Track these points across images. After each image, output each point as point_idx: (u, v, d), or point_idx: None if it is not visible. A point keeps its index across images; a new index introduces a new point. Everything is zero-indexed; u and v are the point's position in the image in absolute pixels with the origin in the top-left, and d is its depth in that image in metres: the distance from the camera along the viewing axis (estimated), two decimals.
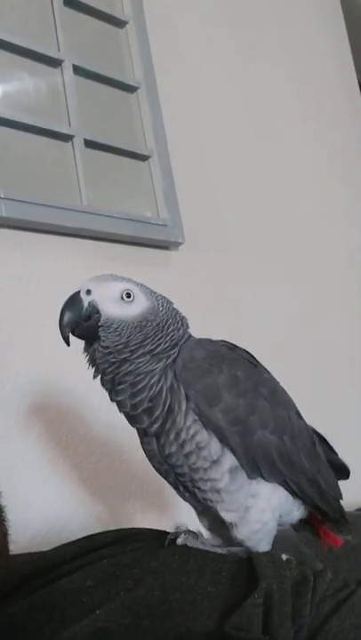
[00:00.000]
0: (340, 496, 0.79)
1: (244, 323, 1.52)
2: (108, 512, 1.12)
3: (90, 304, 0.69)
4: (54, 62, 1.30)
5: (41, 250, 1.17)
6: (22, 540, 0.98)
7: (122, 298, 0.69)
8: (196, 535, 0.73)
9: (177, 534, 0.71)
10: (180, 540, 0.70)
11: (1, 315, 1.07)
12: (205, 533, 0.76)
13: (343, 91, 2.17)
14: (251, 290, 1.57)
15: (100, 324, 0.69)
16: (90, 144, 1.30)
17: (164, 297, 0.74)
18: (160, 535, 0.74)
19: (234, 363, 0.71)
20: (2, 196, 1.09)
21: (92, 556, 0.67)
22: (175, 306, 0.76)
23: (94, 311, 0.69)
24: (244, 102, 1.74)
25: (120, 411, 0.72)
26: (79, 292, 0.69)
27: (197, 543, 0.70)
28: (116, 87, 1.41)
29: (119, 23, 1.46)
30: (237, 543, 0.71)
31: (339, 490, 0.80)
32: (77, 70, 1.32)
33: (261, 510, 0.70)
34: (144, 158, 1.40)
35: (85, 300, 0.69)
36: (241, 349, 0.75)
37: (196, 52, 1.64)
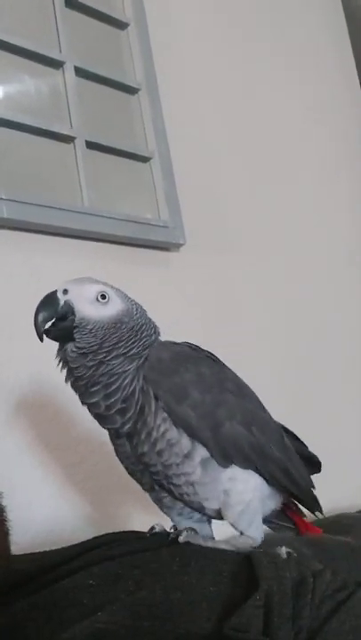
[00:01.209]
0: (310, 484, 0.82)
1: (245, 324, 1.52)
2: (107, 513, 1.13)
3: (66, 303, 0.71)
4: (56, 64, 1.30)
5: (42, 251, 1.17)
6: (22, 540, 0.98)
7: (97, 299, 0.71)
8: (196, 532, 0.74)
9: (179, 532, 0.73)
10: (182, 538, 0.71)
11: (1, 315, 1.07)
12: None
13: (345, 89, 2.17)
14: (252, 290, 1.57)
15: (75, 324, 0.70)
16: (91, 145, 1.30)
17: (138, 303, 0.76)
18: (159, 537, 0.75)
19: (198, 361, 0.74)
20: (3, 197, 1.09)
21: (93, 557, 0.67)
22: (149, 313, 0.78)
23: (70, 310, 0.70)
24: (245, 103, 1.74)
25: (91, 412, 0.73)
26: (56, 291, 0.71)
27: (199, 539, 0.72)
28: (117, 88, 1.42)
29: (120, 25, 1.46)
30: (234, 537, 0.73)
31: (310, 479, 0.82)
32: (79, 72, 1.33)
33: (241, 492, 0.72)
34: (145, 160, 1.41)
35: (62, 299, 0.71)
36: (204, 350, 0.78)
37: (197, 54, 1.65)
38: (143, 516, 1.11)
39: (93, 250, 1.25)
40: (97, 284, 0.73)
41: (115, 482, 1.12)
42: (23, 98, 1.25)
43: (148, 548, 0.69)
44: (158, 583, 0.60)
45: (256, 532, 0.73)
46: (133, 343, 0.72)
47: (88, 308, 0.71)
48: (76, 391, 0.73)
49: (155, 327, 0.77)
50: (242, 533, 0.73)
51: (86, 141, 1.29)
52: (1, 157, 1.13)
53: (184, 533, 0.72)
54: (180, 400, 0.70)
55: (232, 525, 0.73)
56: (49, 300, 0.71)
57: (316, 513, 0.83)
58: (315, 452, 0.86)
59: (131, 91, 1.43)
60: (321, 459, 0.85)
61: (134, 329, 0.73)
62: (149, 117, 1.42)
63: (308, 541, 0.98)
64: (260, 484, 0.75)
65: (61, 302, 0.71)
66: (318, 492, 0.83)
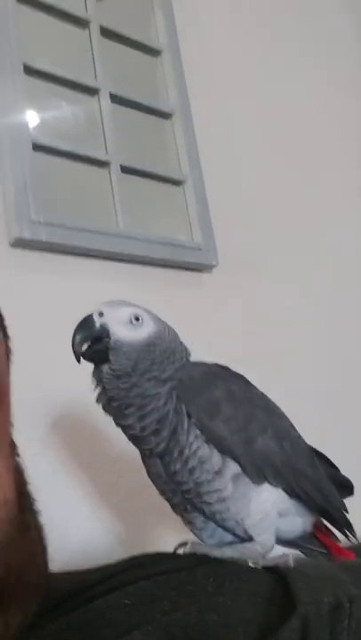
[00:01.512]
0: (344, 507, 0.80)
1: (279, 345, 1.51)
2: (141, 534, 1.13)
3: (101, 325, 0.72)
4: (91, 91, 1.34)
5: (79, 273, 1.19)
6: (60, 559, 0.98)
7: (131, 321, 0.73)
8: (202, 543, 0.75)
9: (184, 544, 0.73)
10: (187, 549, 0.72)
11: (40, 337, 1.09)
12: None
13: None
14: (285, 312, 1.57)
15: (109, 346, 0.72)
16: (126, 170, 1.33)
17: (170, 326, 0.77)
18: (193, 556, 0.74)
19: (228, 379, 0.75)
20: (42, 221, 1.12)
21: (129, 576, 0.67)
22: (182, 335, 0.79)
23: (105, 333, 0.72)
24: (278, 128, 1.75)
25: (126, 434, 0.74)
26: (92, 314, 0.73)
27: (205, 549, 0.72)
28: (151, 114, 1.44)
29: (154, 52, 1.49)
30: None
31: (342, 502, 0.81)
32: (114, 98, 1.36)
33: (262, 502, 0.72)
34: (178, 183, 1.43)
35: (98, 321, 0.72)
36: (232, 370, 0.79)
37: (230, 78, 1.67)
38: (177, 538, 1.10)
39: (128, 271, 1.27)
40: (131, 306, 0.74)
41: (150, 503, 1.12)
42: (60, 124, 1.28)
43: (182, 568, 0.68)
44: (193, 605, 0.59)
45: (266, 540, 0.73)
46: (166, 366, 0.73)
47: (122, 330, 0.72)
48: (108, 413, 0.74)
49: (185, 349, 0.78)
50: (252, 539, 0.73)
51: (121, 166, 1.31)
52: (39, 182, 1.16)
53: (188, 545, 0.72)
54: (212, 416, 0.71)
55: (245, 532, 0.73)
56: (86, 323, 0.72)
57: (350, 537, 0.82)
58: (349, 475, 0.85)
59: (164, 116, 1.46)
60: (357, 482, 0.84)
61: (167, 351, 0.74)
62: (183, 141, 1.44)
63: (344, 566, 0.96)
64: (283, 500, 0.75)
65: (97, 325, 0.72)
66: (351, 517, 0.82)
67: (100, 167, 1.30)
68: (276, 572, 0.67)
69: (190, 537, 0.80)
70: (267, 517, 0.73)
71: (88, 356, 0.72)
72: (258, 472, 0.72)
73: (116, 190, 1.29)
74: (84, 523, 1.07)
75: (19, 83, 1.20)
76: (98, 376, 0.73)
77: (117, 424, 0.74)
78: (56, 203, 1.20)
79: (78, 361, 0.72)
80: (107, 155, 1.30)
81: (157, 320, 0.76)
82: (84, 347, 0.72)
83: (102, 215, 1.27)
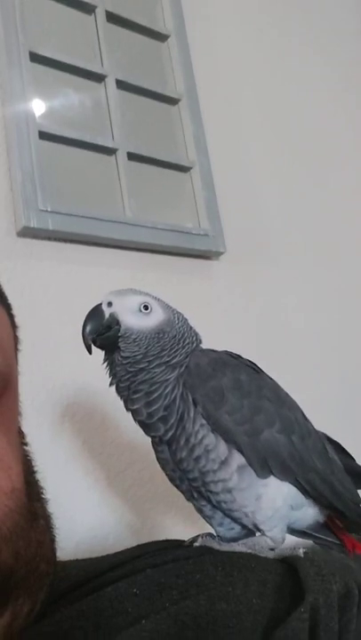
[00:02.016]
0: (358, 500, 0.79)
1: (288, 334, 1.51)
2: (151, 521, 1.13)
3: (111, 315, 0.73)
4: (98, 77, 1.33)
5: (86, 261, 1.19)
6: (68, 547, 0.99)
7: (140, 310, 0.73)
8: (213, 538, 0.75)
9: (195, 538, 0.73)
10: (198, 543, 0.72)
11: (48, 326, 1.10)
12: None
13: None
14: (294, 298, 1.56)
15: (119, 334, 0.72)
16: (133, 157, 1.32)
17: (180, 312, 0.78)
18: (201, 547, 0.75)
19: (236, 368, 0.74)
20: (49, 210, 1.12)
21: (137, 565, 0.67)
22: (190, 322, 0.79)
23: (114, 322, 0.72)
24: (286, 114, 1.74)
25: (135, 420, 0.74)
26: (101, 303, 0.73)
27: (214, 544, 0.72)
28: (157, 100, 1.43)
29: (161, 37, 1.48)
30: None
31: (357, 494, 0.80)
32: (120, 84, 1.35)
33: (273, 498, 0.72)
34: (186, 170, 1.42)
35: (107, 311, 0.73)
36: (244, 358, 0.78)
37: (237, 64, 1.66)
38: (186, 525, 1.11)
39: (136, 259, 1.27)
40: (139, 295, 0.75)
41: (159, 490, 1.12)
42: (67, 111, 1.28)
43: (190, 556, 0.68)
44: (202, 594, 0.59)
45: (277, 534, 0.73)
46: (176, 352, 0.73)
47: (132, 319, 0.72)
48: (120, 396, 0.74)
49: (196, 335, 0.78)
50: (263, 533, 0.73)
51: (128, 153, 1.30)
52: (45, 171, 1.16)
53: (200, 539, 0.73)
54: (217, 405, 0.70)
55: (255, 526, 0.73)
56: (95, 313, 0.73)
57: None
58: None
59: (171, 102, 1.45)
60: None
61: (176, 337, 0.74)
62: (190, 128, 1.43)
63: (355, 557, 0.95)
64: (294, 494, 0.74)
65: (106, 314, 0.73)
66: None
67: (106, 154, 1.29)
68: (285, 562, 0.66)
69: (200, 526, 0.80)
70: (277, 513, 0.72)
71: (98, 343, 0.73)
72: (262, 465, 0.71)
73: (122, 177, 1.28)
74: (93, 510, 1.08)
75: (25, 70, 1.19)
76: (110, 362, 0.74)
77: (127, 409, 0.74)
78: (63, 191, 1.20)
79: (89, 352, 0.73)
80: (113, 142, 1.29)
81: (166, 307, 0.76)
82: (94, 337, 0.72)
83: (109, 203, 1.27)
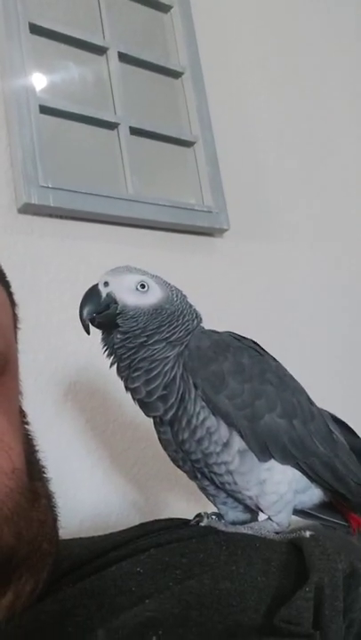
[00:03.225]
0: None
1: (291, 312, 1.50)
2: (154, 499, 1.13)
3: (108, 295, 0.72)
4: (99, 50, 1.30)
5: (88, 238, 1.18)
6: (71, 525, 1.00)
7: (137, 288, 0.72)
8: (220, 519, 0.75)
9: (200, 519, 0.74)
10: (203, 522, 0.72)
11: (51, 304, 1.09)
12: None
13: None
14: (300, 279, 1.55)
15: (117, 311, 0.71)
16: (135, 131, 1.30)
17: (179, 289, 0.77)
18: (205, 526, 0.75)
19: (239, 351, 0.73)
20: (50, 186, 1.10)
21: (141, 544, 0.67)
22: (193, 299, 0.78)
23: (112, 301, 0.72)
24: (292, 86, 1.70)
25: (134, 399, 0.74)
26: (97, 284, 0.73)
27: (220, 525, 0.72)
28: (160, 73, 1.40)
29: (163, 8, 1.44)
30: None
31: None
32: (122, 57, 1.32)
33: (277, 482, 0.72)
34: (189, 144, 1.39)
35: (104, 291, 0.72)
36: (247, 339, 0.77)
37: (241, 36, 1.62)
38: (189, 502, 1.11)
39: (138, 236, 1.26)
40: (136, 273, 0.74)
41: (161, 468, 1.12)
42: (68, 85, 1.25)
43: (194, 536, 0.68)
44: (206, 573, 0.59)
45: (283, 519, 0.73)
46: (175, 328, 0.73)
47: (129, 298, 0.72)
48: (120, 376, 0.74)
49: (196, 313, 0.77)
50: (269, 518, 0.73)
51: (130, 127, 1.28)
52: (46, 146, 1.14)
53: (205, 519, 0.73)
54: (217, 389, 0.70)
55: (258, 508, 0.73)
56: (92, 293, 0.72)
57: None
58: None
59: (174, 75, 1.42)
60: None
61: (175, 314, 0.73)
62: (193, 102, 1.41)
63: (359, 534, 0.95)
64: (299, 478, 0.74)
65: (103, 295, 0.72)
66: None
67: (108, 129, 1.27)
68: (290, 542, 0.66)
69: (203, 504, 0.80)
70: (282, 499, 0.72)
71: (96, 322, 0.72)
72: (262, 449, 0.71)
73: (125, 153, 1.26)
74: (96, 488, 1.08)
75: (25, 43, 1.16)
76: (108, 342, 0.73)
77: (127, 388, 0.74)
78: (64, 167, 1.18)
79: (88, 332, 0.72)
80: (115, 116, 1.27)
81: (164, 285, 0.75)
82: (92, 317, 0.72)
83: (111, 179, 1.25)
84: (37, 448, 0.64)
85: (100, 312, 0.71)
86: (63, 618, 0.54)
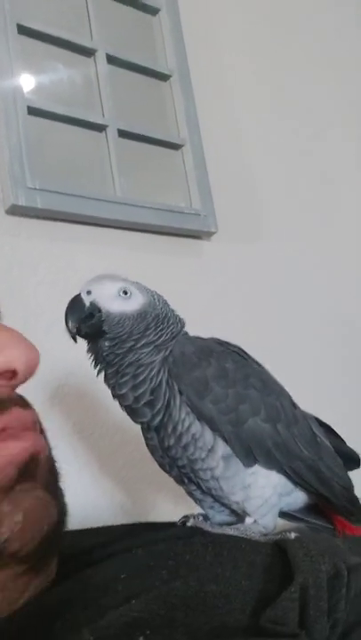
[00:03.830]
0: (347, 484, 0.79)
1: (282, 314, 1.50)
2: (142, 502, 1.13)
3: (91, 303, 0.72)
4: (87, 52, 1.30)
5: (76, 241, 1.17)
6: None
7: (119, 295, 0.73)
8: (206, 519, 0.76)
9: (187, 518, 0.75)
10: (190, 523, 0.73)
11: (39, 306, 1.08)
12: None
13: None
14: (286, 279, 1.55)
15: (103, 319, 0.72)
16: (123, 134, 1.29)
17: (161, 295, 0.77)
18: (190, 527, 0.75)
19: (222, 356, 0.74)
20: (37, 188, 1.10)
21: (127, 543, 0.67)
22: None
23: (96, 309, 0.72)
24: (279, 89, 1.71)
25: (122, 406, 0.74)
26: (80, 293, 0.73)
27: (207, 526, 0.73)
28: (148, 75, 1.40)
29: (152, 10, 1.45)
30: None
31: (347, 478, 0.80)
32: (111, 59, 1.32)
33: (262, 487, 0.73)
34: (177, 147, 1.39)
35: (87, 299, 0.73)
36: (232, 345, 0.78)
37: (230, 39, 1.62)
38: (176, 505, 1.11)
39: (126, 238, 1.25)
40: (117, 280, 0.75)
41: (149, 471, 1.12)
42: (56, 87, 1.25)
43: (180, 536, 0.69)
44: (192, 574, 0.59)
45: (268, 522, 0.74)
46: (162, 330, 0.73)
47: (113, 305, 0.73)
48: (107, 383, 0.74)
49: (179, 318, 0.78)
50: (255, 521, 0.73)
51: (118, 130, 1.28)
52: (34, 147, 1.14)
53: (192, 520, 0.74)
54: (201, 395, 0.71)
55: (245, 513, 0.74)
56: (75, 304, 0.73)
57: (352, 520, 0.81)
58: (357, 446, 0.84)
59: (162, 77, 1.42)
60: None
61: (159, 317, 0.74)
62: (181, 104, 1.41)
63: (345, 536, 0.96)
64: (284, 482, 0.75)
65: (87, 303, 0.73)
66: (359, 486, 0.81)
67: (96, 131, 1.27)
68: (275, 544, 0.67)
69: (191, 506, 0.80)
70: (267, 502, 0.73)
71: (83, 332, 0.73)
72: (246, 453, 0.71)
73: (112, 155, 1.26)
74: (84, 491, 1.07)
75: (12, 44, 1.16)
76: (95, 350, 0.74)
77: (114, 396, 0.74)
78: (52, 168, 1.18)
79: (75, 341, 0.73)
80: (103, 118, 1.27)
81: (146, 290, 0.76)
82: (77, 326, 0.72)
83: (99, 181, 1.25)
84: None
85: (85, 321, 0.72)
86: (50, 617, 0.55)
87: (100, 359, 0.73)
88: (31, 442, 0.57)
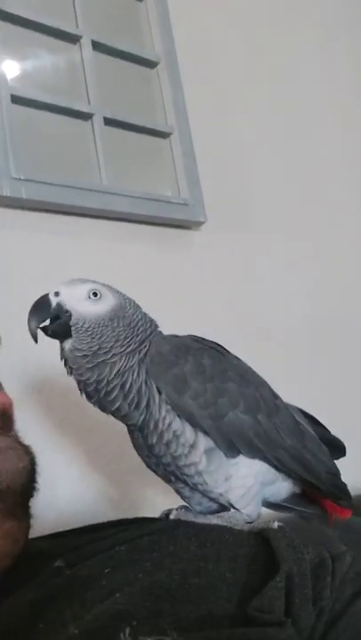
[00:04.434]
0: (333, 470, 0.80)
1: (268, 305, 1.50)
2: (130, 495, 1.13)
3: (58, 304, 0.72)
4: (72, 38, 1.28)
5: (62, 231, 1.16)
6: (47, 519, 0.99)
7: (89, 297, 0.72)
8: (189, 510, 0.76)
9: (170, 510, 0.75)
10: (172, 515, 0.74)
11: (25, 297, 1.06)
12: None
13: None
14: (275, 269, 1.54)
15: (71, 323, 0.71)
16: (109, 122, 1.28)
17: (131, 298, 0.77)
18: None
19: (199, 352, 0.74)
20: (22, 178, 1.08)
21: (113, 538, 0.68)
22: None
23: (62, 310, 0.72)
24: (267, 75, 1.70)
25: (116, 417, 0.74)
26: (48, 294, 0.73)
27: (190, 516, 0.73)
28: (135, 62, 1.38)
29: None
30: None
31: (333, 464, 0.81)
32: (96, 46, 1.30)
33: (243, 476, 0.73)
34: (165, 135, 1.38)
35: (54, 300, 0.72)
36: (208, 341, 0.78)
37: (218, 25, 1.60)
38: (163, 498, 1.11)
39: (113, 229, 1.24)
40: (88, 282, 0.74)
41: (139, 465, 1.11)
42: (39, 74, 1.23)
43: (163, 529, 0.69)
44: (176, 565, 0.60)
45: (252, 511, 0.74)
46: (131, 339, 0.73)
47: (81, 306, 0.72)
48: (92, 402, 0.74)
49: (151, 321, 0.77)
50: (238, 510, 0.74)
51: (104, 118, 1.26)
52: (18, 137, 1.12)
53: (174, 512, 0.74)
54: (180, 391, 0.71)
55: (230, 505, 0.74)
56: (41, 304, 0.72)
57: (341, 503, 0.81)
58: (345, 434, 0.84)
59: (150, 64, 1.40)
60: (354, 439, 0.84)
61: (130, 325, 0.73)
62: (169, 92, 1.39)
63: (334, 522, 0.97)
64: (265, 470, 0.75)
65: (53, 304, 0.72)
66: (349, 473, 0.81)
67: (82, 119, 1.25)
68: (259, 534, 0.68)
69: (175, 502, 0.80)
70: (249, 491, 0.73)
71: (49, 331, 0.72)
72: (229, 446, 0.72)
73: (99, 144, 1.24)
74: (72, 484, 1.07)
75: None
76: (63, 354, 0.73)
77: (107, 413, 0.74)
78: (36, 158, 1.16)
79: (35, 341, 0.72)
80: (89, 106, 1.25)
81: (117, 293, 0.75)
82: (43, 325, 0.72)
83: (85, 170, 1.23)
84: None
85: (52, 321, 0.72)
86: (33, 617, 0.55)
87: (66, 362, 0.73)
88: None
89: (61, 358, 0.74)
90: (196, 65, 1.49)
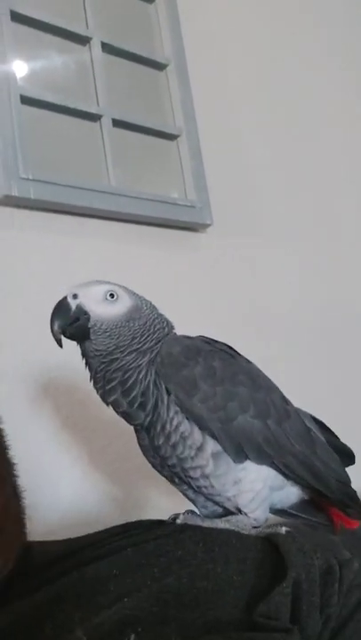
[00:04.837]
0: (344, 478, 0.79)
1: (278, 306, 1.49)
2: (134, 495, 1.13)
3: (77, 306, 0.72)
4: (82, 40, 1.28)
5: (70, 232, 1.16)
6: (50, 520, 0.99)
7: (106, 298, 0.73)
8: (196, 514, 0.75)
9: (177, 515, 0.74)
10: (180, 520, 0.72)
11: (32, 297, 1.07)
12: None
13: None
14: (281, 271, 1.54)
15: (89, 325, 0.72)
16: (118, 123, 1.28)
17: (147, 299, 0.77)
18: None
19: (210, 354, 0.74)
20: (30, 178, 1.09)
21: (117, 543, 0.67)
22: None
23: (82, 312, 0.72)
24: (276, 79, 1.69)
25: (117, 412, 0.74)
26: (66, 297, 0.73)
27: (197, 520, 0.72)
28: (144, 64, 1.39)
29: None
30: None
31: (343, 472, 0.80)
32: (106, 48, 1.30)
33: (252, 481, 0.73)
34: (172, 137, 1.38)
35: (73, 303, 0.72)
36: (220, 343, 0.77)
37: (227, 28, 1.60)
38: (167, 499, 1.11)
39: (120, 230, 1.24)
40: (104, 284, 0.74)
41: (143, 464, 1.11)
42: (49, 75, 1.23)
43: (170, 534, 0.68)
44: (184, 570, 0.60)
45: (260, 515, 0.74)
46: (147, 338, 0.73)
47: (99, 308, 0.72)
48: (97, 391, 0.74)
49: (167, 321, 0.77)
50: (246, 514, 0.73)
51: (113, 119, 1.27)
52: (27, 137, 1.12)
53: (181, 516, 0.73)
54: (190, 394, 0.71)
55: (237, 509, 0.74)
56: (61, 307, 0.73)
57: (350, 513, 0.80)
58: (348, 438, 0.84)
59: (158, 67, 1.40)
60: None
61: (147, 324, 0.74)
62: (177, 94, 1.39)
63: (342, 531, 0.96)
64: (274, 476, 0.75)
65: (73, 307, 0.72)
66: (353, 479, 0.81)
67: (90, 121, 1.26)
68: (267, 539, 0.67)
69: (184, 499, 0.80)
70: (258, 496, 0.73)
71: (68, 333, 0.72)
72: (237, 450, 0.71)
73: (107, 145, 1.25)
74: (76, 484, 1.07)
75: (6, 30, 1.14)
76: (84, 353, 0.74)
77: (106, 403, 0.74)
78: (45, 158, 1.16)
79: (60, 345, 0.73)
80: (98, 107, 1.25)
81: (133, 294, 0.75)
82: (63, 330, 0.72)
83: (93, 171, 1.23)
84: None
85: (71, 324, 0.72)
86: (40, 620, 0.54)
87: (88, 364, 0.74)
88: None
89: (85, 360, 0.74)
90: (205, 67, 1.49)
